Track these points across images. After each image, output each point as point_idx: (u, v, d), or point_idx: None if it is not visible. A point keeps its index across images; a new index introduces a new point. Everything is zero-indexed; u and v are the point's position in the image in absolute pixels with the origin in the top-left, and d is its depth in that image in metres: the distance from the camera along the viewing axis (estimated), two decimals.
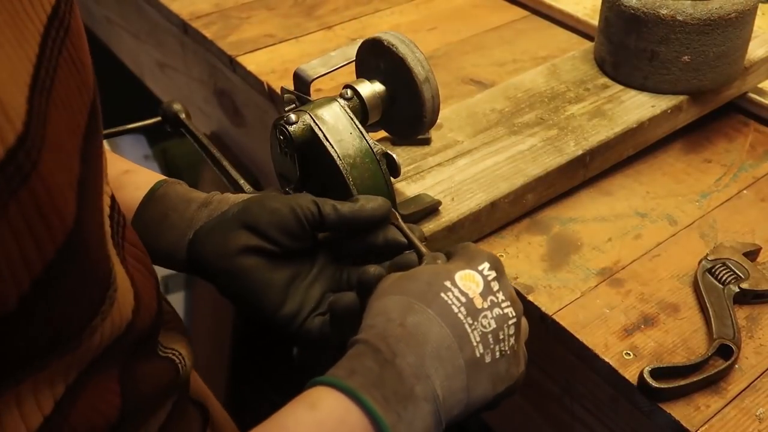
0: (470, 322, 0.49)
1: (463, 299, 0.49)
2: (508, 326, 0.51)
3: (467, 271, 0.51)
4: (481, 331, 0.49)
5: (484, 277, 0.51)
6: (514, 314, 0.51)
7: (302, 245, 0.58)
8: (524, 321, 0.54)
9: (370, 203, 0.58)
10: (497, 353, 0.50)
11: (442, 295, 0.49)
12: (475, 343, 0.49)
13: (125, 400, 0.47)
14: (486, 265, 0.52)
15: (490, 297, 0.51)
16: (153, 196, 0.60)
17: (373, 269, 0.55)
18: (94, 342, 0.42)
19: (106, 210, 0.47)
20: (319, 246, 0.60)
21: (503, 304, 0.51)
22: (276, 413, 0.44)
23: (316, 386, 0.45)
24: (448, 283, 0.50)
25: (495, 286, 0.51)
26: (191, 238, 0.58)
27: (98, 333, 0.42)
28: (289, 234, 0.56)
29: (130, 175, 0.63)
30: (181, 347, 0.58)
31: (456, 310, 0.49)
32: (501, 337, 0.50)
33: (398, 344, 0.47)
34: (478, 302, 0.50)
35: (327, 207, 0.57)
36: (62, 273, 0.37)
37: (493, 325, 0.50)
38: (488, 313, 0.50)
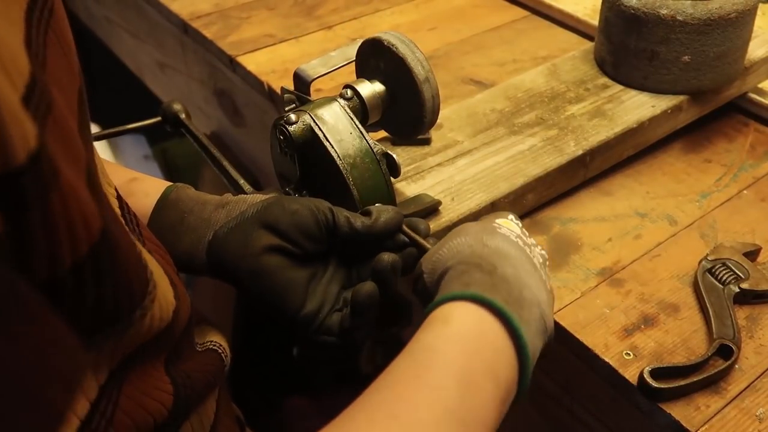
0: (528, 251, 0.53)
1: (514, 234, 0.53)
2: (547, 266, 0.55)
3: (503, 219, 0.56)
4: (537, 259, 0.53)
5: (517, 223, 0.56)
6: (546, 257, 0.56)
7: (319, 248, 0.58)
8: None
9: (383, 216, 0.58)
10: (548, 285, 0.53)
11: (498, 230, 0.53)
12: (539, 266, 0.52)
13: (177, 388, 0.47)
14: (512, 216, 0.57)
15: (527, 239, 0.55)
16: (166, 201, 0.60)
17: (387, 257, 0.56)
18: (145, 325, 0.42)
19: (115, 202, 0.47)
20: (332, 248, 0.60)
21: (538, 247, 0.55)
22: (412, 339, 0.46)
23: (437, 306, 0.47)
24: (495, 225, 0.54)
25: (526, 232, 0.56)
26: (210, 239, 0.57)
27: (149, 316, 0.42)
28: (308, 236, 0.57)
29: (137, 182, 0.62)
30: (218, 338, 0.59)
31: (515, 239, 0.52)
32: (546, 273, 0.54)
33: (492, 257, 0.50)
34: (524, 238, 0.54)
35: (341, 218, 0.57)
36: (102, 253, 0.36)
37: (540, 259, 0.54)
38: (534, 248, 0.54)
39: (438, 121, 0.71)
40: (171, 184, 0.63)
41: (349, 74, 0.72)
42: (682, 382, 0.60)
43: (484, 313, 0.46)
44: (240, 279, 0.57)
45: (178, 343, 0.50)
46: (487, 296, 0.46)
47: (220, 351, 0.57)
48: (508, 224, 0.55)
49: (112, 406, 0.41)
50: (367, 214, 0.59)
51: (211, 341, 0.58)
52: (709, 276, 0.69)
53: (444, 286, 0.49)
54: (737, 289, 0.67)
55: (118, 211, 0.47)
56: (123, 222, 0.45)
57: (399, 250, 0.60)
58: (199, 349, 0.57)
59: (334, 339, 0.57)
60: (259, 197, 0.59)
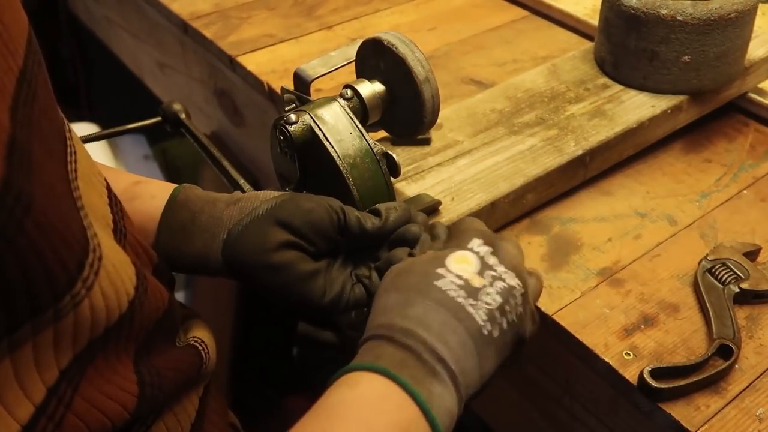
0: (472, 302, 0.49)
1: (460, 282, 0.50)
2: (515, 297, 0.51)
3: (459, 253, 0.52)
4: (485, 309, 0.49)
5: (476, 254, 0.51)
6: (519, 284, 0.51)
7: (330, 246, 0.58)
8: (533, 282, 0.55)
9: (392, 216, 0.58)
10: (504, 325, 0.50)
11: (436, 284, 0.50)
12: (482, 322, 0.49)
13: (143, 388, 0.46)
14: (476, 242, 0.52)
15: (488, 272, 0.51)
16: (175, 202, 0.60)
17: (415, 228, 0.57)
18: (83, 315, 0.40)
19: (104, 198, 0.47)
20: (340, 244, 0.60)
21: (504, 276, 0.51)
22: (319, 400, 0.45)
23: (347, 373, 0.46)
24: (441, 271, 0.50)
25: (491, 260, 0.51)
26: (225, 238, 0.57)
27: (86, 305, 0.40)
28: (322, 235, 0.57)
29: (141, 185, 0.62)
30: (201, 334, 0.58)
31: (454, 295, 0.49)
32: (508, 309, 0.50)
33: (406, 335, 0.48)
34: (477, 281, 0.50)
35: (352, 218, 0.58)
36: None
37: (499, 299, 0.50)
38: (490, 289, 0.50)
39: (438, 121, 0.71)
40: (177, 185, 0.62)
41: (349, 74, 0.72)
42: (682, 382, 0.60)
43: (393, 385, 0.45)
44: (258, 276, 0.56)
45: (149, 337, 0.49)
46: (393, 372, 0.45)
47: (200, 348, 0.57)
48: (463, 261, 0.51)
49: (63, 408, 0.40)
50: (376, 213, 0.59)
51: (194, 337, 0.57)
52: (709, 276, 0.69)
53: (358, 356, 0.49)
54: (737, 289, 0.67)
55: (107, 207, 0.46)
56: (77, 207, 0.41)
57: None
58: (179, 345, 0.56)
59: (364, 304, 0.57)
60: (272, 193, 0.59)
